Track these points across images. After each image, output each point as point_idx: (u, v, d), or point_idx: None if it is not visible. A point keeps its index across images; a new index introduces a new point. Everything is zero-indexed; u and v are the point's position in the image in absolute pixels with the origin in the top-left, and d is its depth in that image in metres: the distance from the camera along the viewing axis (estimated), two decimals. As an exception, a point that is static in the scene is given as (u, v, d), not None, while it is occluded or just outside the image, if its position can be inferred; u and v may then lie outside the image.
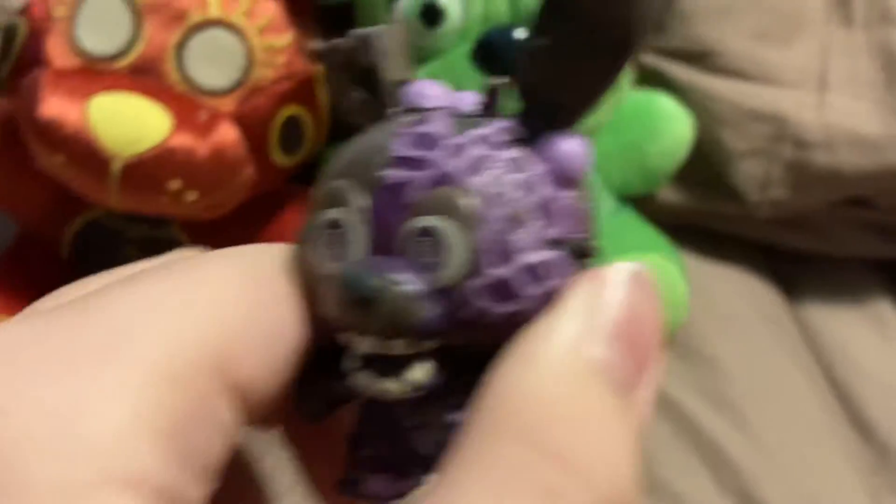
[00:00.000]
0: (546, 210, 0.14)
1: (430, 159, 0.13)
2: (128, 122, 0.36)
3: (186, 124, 0.37)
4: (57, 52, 0.38)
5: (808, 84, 0.46)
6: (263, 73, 0.39)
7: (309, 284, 0.15)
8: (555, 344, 0.13)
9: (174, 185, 0.37)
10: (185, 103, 0.37)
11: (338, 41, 0.15)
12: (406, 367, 0.14)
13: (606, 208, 0.45)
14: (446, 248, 0.13)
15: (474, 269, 0.13)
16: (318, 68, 0.42)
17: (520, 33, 0.37)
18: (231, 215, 0.41)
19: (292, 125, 0.41)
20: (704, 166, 0.47)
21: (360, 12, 0.40)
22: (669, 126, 0.45)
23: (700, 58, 0.46)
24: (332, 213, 0.14)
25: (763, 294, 0.48)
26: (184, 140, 0.36)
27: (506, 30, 0.37)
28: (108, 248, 0.43)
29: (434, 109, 0.14)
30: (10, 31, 0.41)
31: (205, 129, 0.37)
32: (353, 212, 0.14)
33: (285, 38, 0.40)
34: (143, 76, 0.37)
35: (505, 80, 0.14)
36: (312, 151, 0.44)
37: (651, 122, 0.45)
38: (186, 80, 0.37)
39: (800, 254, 0.50)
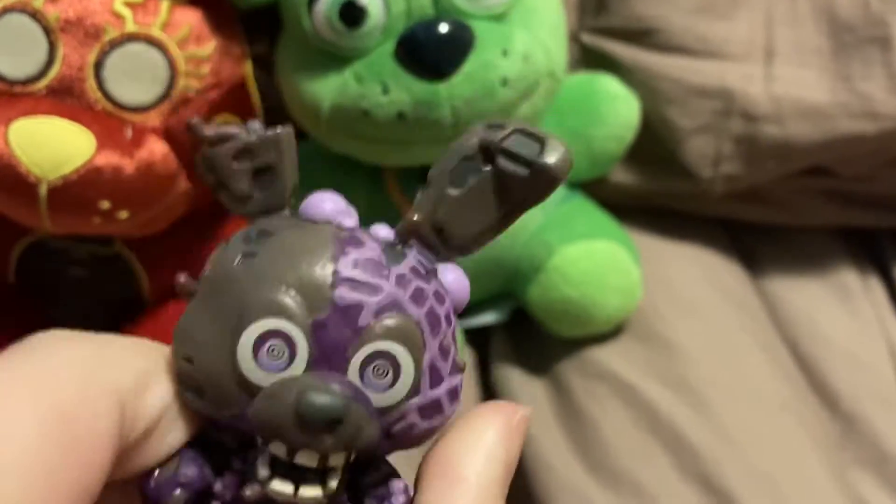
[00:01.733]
0: (454, 338, 0.15)
1: (380, 286, 0.14)
2: (50, 145, 0.35)
3: (111, 143, 0.36)
4: (-27, 77, 0.37)
5: (754, 56, 0.45)
6: (189, 84, 0.38)
7: (210, 391, 0.15)
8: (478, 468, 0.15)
9: (104, 204, 0.36)
10: (108, 121, 0.36)
11: (233, 130, 0.16)
12: (326, 476, 0.14)
13: (556, 196, 0.44)
14: (401, 371, 0.14)
15: (415, 391, 0.14)
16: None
17: (443, 27, 0.36)
18: (172, 229, 0.41)
19: (225, 134, 0.40)
20: (654, 146, 0.46)
21: (284, 14, 0.39)
22: (614, 108, 0.44)
23: (642, 36, 0.45)
24: (273, 324, 0.14)
25: (724, 271, 0.48)
26: (109, 158, 0.36)
27: (430, 24, 0.36)
28: (54, 268, 0.43)
29: (356, 229, 0.16)
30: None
31: (131, 146, 0.37)
32: (299, 324, 0.14)
33: (209, 46, 0.39)
34: (63, 97, 0.36)
35: (417, 218, 0.16)
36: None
37: (595, 105, 0.44)
38: (108, 97, 0.37)
39: (760, 227, 0.50)
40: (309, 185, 0.46)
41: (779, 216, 0.49)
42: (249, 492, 0.14)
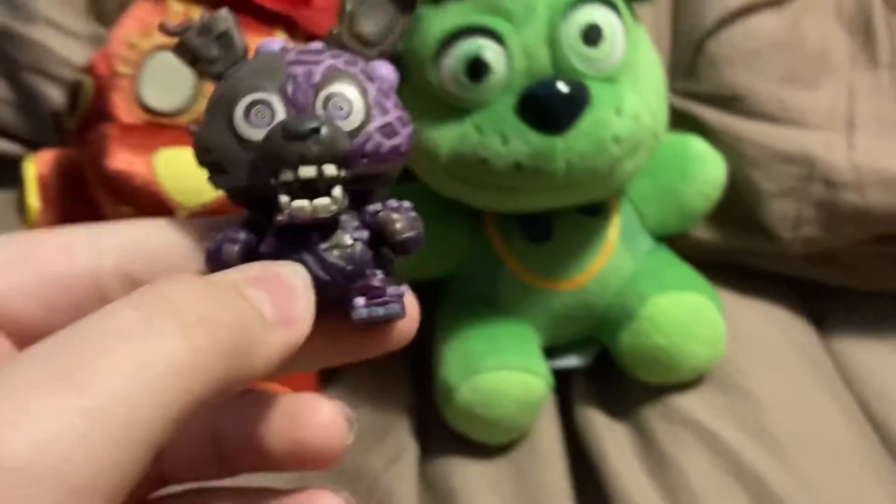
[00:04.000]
0: (392, 94, 0.20)
1: (320, 59, 0.19)
2: (192, 174, 0.38)
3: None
4: (122, 108, 0.40)
5: (836, 125, 0.47)
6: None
7: (224, 165, 0.19)
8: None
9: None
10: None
11: (186, 23, 0.20)
12: (331, 190, 0.19)
13: (644, 247, 0.46)
14: (351, 104, 0.19)
15: (370, 117, 0.19)
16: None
17: (562, 86, 0.38)
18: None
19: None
20: (737, 206, 0.48)
21: (408, 64, 0.42)
22: (703, 168, 0.46)
23: (730, 102, 0.48)
24: (254, 96, 0.19)
25: (796, 328, 0.50)
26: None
27: (551, 82, 0.38)
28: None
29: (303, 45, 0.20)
30: (77, 87, 0.43)
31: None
32: (272, 93, 0.19)
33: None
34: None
35: (337, 31, 0.20)
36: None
37: (685, 165, 0.46)
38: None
39: (831, 288, 0.51)
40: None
41: (851, 279, 0.51)
42: (280, 217, 0.18)
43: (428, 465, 0.45)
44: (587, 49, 0.39)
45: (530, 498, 0.42)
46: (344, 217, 0.19)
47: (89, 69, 0.43)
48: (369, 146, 0.19)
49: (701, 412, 0.44)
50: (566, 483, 0.43)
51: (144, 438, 0.14)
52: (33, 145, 0.52)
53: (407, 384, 0.48)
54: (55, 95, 0.51)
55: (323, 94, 0.19)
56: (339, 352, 0.21)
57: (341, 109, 0.19)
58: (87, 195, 0.42)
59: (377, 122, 0.19)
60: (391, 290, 0.20)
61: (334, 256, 0.19)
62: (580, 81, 0.39)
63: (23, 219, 0.44)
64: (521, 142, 0.38)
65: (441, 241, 0.46)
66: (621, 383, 0.46)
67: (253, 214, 0.19)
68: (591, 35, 0.39)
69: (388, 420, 0.46)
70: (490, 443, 0.44)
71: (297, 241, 0.19)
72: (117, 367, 0.14)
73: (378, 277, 0.20)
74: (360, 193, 0.19)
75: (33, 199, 0.43)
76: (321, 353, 0.20)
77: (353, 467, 0.44)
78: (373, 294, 0.19)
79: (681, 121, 0.49)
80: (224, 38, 0.20)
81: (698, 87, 0.49)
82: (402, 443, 0.45)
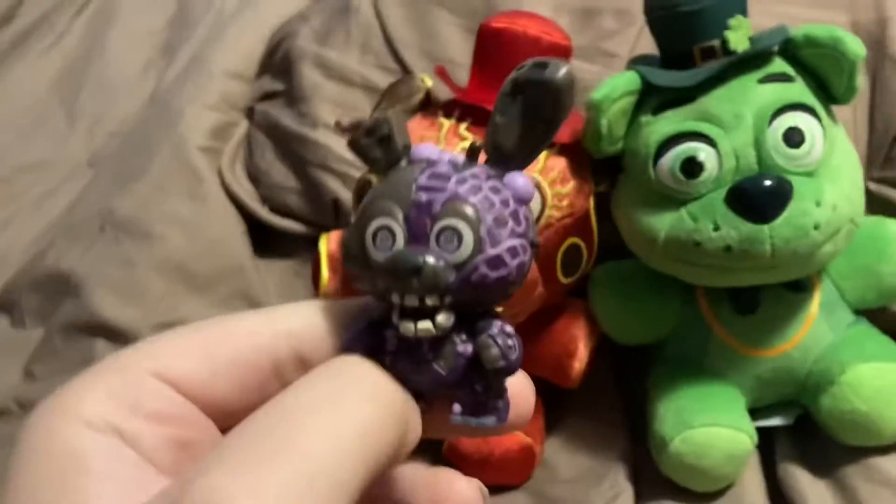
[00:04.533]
0: (514, 216, 0.21)
1: (444, 186, 0.21)
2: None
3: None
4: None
5: None
6: (552, 213, 0.50)
7: (357, 273, 0.21)
8: None
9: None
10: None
11: (359, 119, 0.23)
12: (434, 315, 0.20)
13: (845, 320, 0.51)
14: (462, 238, 0.20)
15: (479, 250, 0.20)
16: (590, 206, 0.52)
17: (768, 181, 0.45)
18: (524, 322, 0.52)
19: (573, 252, 0.52)
20: (936, 283, 0.52)
21: (628, 163, 0.50)
22: (900, 249, 0.51)
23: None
24: (381, 221, 0.21)
25: None
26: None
27: (758, 178, 0.45)
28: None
29: (438, 160, 0.22)
30: (363, 183, 0.55)
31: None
32: (397, 220, 0.20)
33: (569, 186, 0.51)
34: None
35: (479, 141, 0.22)
36: (585, 271, 0.54)
37: (884, 246, 0.51)
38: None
39: None
40: (633, 294, 0.56)
41: None
42: (391, 334, 0.21)
43: (643, 506, 0.51)
44: (789, 150, 0.45)
45: (738, 541, 0.48)
46: (454, 331, 0.21)
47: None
48: (474, 277, 0.20)
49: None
50: (770, 531, 0.48)
51: (346, 499, 0.16)
52: (315, 226, 0.65)
53: (623, 435, 0.55)
54: (335, 186, 0.64)
55: (438, 225, 0.20)
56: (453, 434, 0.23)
57: (451, 243, 0.20)
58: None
59: (485, 254, 0.20)
60: (492, 402, 0.21)
61: (440, 366, 0.21)
62: (783, 177, 0.45)
63: (316, 285, 0.56)
64: (732, 229, 0.45)
65: (656, 309, 0.53)
66: (823, 443, 0.51)
67: (383, 312, 0.22)
68: (793, 138, 0.46)
69: (606, 465, 0.53)
70: (698, 490, 0.50)
71: (411, 348, 0.21)
72: (321, 436, 0.17)
73: (477, 389, 0.21)
74: (470, 312, 0.21)
75: (325, 271, 0.55)
76: (440, 433, 0.23)
77: (576, 503, 0.52)
78: (471, 402, 0.21)
79: (878, 205, 0.53)
80: (385, 142, 0.22)
81: (894, 174, 0.53)
82: (620, 485, 0.52)
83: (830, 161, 0.47)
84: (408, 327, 0.21)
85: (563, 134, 0.50)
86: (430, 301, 0.20)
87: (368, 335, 0.22)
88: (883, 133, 0.54)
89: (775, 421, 0.52)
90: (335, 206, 0.63)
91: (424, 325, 0.20)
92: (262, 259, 0.68)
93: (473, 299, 0.21)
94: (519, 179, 0.21)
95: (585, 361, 0.54)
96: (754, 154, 0.46)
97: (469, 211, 0.20)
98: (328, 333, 0.21)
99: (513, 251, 0.21)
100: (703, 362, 0.52)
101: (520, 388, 0.22)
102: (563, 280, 0.52)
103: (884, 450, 0.49)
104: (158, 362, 0.19)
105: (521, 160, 0.22)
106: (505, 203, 0.21)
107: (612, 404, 0.57)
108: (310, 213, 0.67)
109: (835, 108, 0.49)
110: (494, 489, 0.54)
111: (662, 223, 0.48)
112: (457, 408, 0.22)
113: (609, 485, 0.52)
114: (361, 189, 0.55)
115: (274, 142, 0.70)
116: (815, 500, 0.48)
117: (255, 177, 0.70)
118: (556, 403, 0.57)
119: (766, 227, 0.45)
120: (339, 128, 0.25)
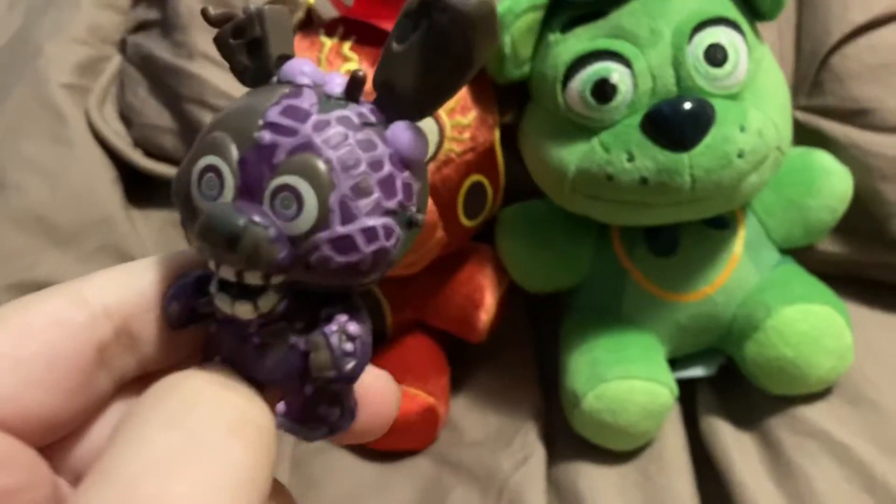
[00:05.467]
0: (386, 184, 0.16)
1: (296, 129, 0.16)
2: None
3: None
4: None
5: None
6: (452, 147, 0.44)
7: (184, 215, 0.17)
8: None
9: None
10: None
11: (231, 13, 0.18)
12: (258, 295, 0.16)
13: (770, 260, 0.47)
14: (302, 203, 0.16)
15: (323, 224, 0.16)
16: (495, 138, 0.47)
17: (687, 104, 0.40)
18: (422, 270, 0.47)
19: (476, 191, 0.46)
20: (864, 219, 0.48)
21: (535, 89, 0.45)
22: (829, 181, 0.47)
23: (857, 116, 0.48)
24: (210, 160, 0.16)
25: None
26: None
27: (676, 101, 0.40)
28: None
29: (306, 86, 0.17)
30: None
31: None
32: (228, 161, 0.16)
33: (470, 116, 0.45)
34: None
35: (361, 72, 0.17)
36: (491, 213, 0.49)
37: (811, 178, 0.47)
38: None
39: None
40: (544, 238, 0.51)
41: None
42: (202, 301, 0.17)
43: (555, 468, 0.47)
44: (711, 69, 0.41)
45: (657, 503, 0.44)
46: (291, 316, 0.17)
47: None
48: (313, 259, 0.16)
49: (829, 423, 0.44)
50: (692, 490, 0.44)
51: None
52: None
53: (534, 390, 0.51)
54: (213, 124, 0.57)
55: (276, 182, 0.16)
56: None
57: (289, 208, 0.16)
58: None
59: (330, 231, 0.16)
60: (322, 409, 0.17)
61: (264, 355, 0.17)
62: (705, 99, 0.40)
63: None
64: (647, 158, 0.40)
65: (568, 254, 0.48)
66: (746, 394, 0.47)
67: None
68: (715, 55, 0.41)
69: (516, 424, 0.49)
70: (615, 449, 0.46)
71: (236, 322, 0.17)
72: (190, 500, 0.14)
73: (305, 393, 0.17)
74: (312, 294, 0.17)
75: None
76: None
77: (482, 468, 0.47)
78: (299, 406, 0.17)
79: (806, 135, 0.49)
80: (256, 47, 0.17)
81: (823, 102, 0.49)
82: (531, 446, 0.47)
83: (755, 83, 0.42)
84: (223, 304, 0.17)
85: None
86: (250, 278, 0.16)
87: (195, 289, 0.18)
88: (810, 55, 0.50)
89: (697, 371, 0.48)
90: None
91: (243, 306, 0.16)
92: (139, 209, 0.61)
93: (311, 283, 0.16)
94: (405, 134, 0.16)
95: (493, 312, 0.49)
96: (672, 74, 0.41)
97: (320, 168, 0.16)
98: (153, 300, 0.18)
99: (370, 234, 0.16)
100: (619, 310, 0.47)
101: (378, 390, 0.18)
102: (466, 223, 0.46)
103: (809, 399, 0.46)
104: None
105: (415, 107, 0.17)
106: (376, 164, 0.16)
107: (523, 358, 0.52)
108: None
109: (759, 27, 0.45)
110: (394, 455, 0.48)
111: (572, 156, 0.43)
112: (281, 408, 0.17)
113: (519, 446, 0.47)
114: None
115: (147, 77, 0.62)
116: (738, 454, 0.44)
117: (126, 117, 0.62)
118: (461, 359, 0.52)
119: (685, 156, 0.40)
120: (206, 17, 0.18)
